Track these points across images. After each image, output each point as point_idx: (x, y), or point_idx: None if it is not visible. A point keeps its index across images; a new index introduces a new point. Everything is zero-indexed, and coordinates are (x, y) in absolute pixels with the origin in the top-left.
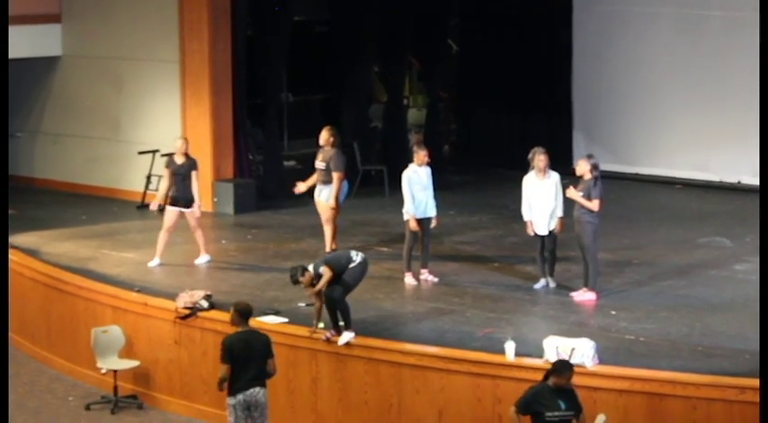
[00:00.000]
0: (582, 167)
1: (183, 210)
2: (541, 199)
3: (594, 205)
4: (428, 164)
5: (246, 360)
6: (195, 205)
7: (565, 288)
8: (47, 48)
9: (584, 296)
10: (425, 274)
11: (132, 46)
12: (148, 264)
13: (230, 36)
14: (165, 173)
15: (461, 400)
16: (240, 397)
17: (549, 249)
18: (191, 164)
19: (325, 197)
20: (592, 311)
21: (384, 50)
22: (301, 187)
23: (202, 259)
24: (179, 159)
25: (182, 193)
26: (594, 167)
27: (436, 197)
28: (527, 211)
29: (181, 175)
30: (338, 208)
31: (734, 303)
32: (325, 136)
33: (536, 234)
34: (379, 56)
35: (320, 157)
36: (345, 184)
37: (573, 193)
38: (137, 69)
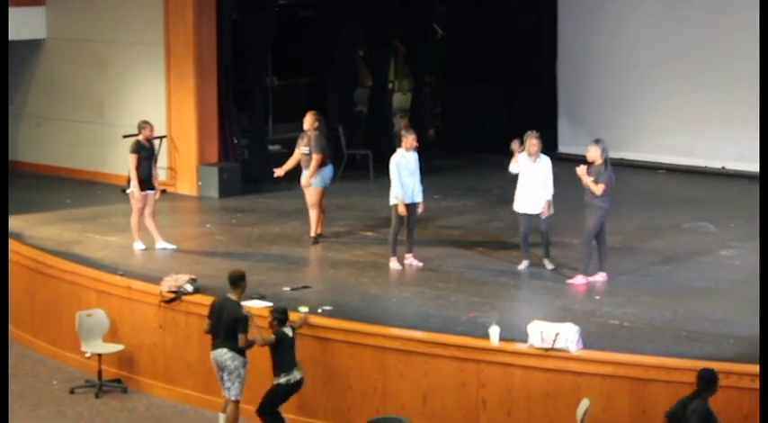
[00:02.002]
0: (592, 153)
1: (149, 192)
2: (531, 181)
3: (599, 189)
4: (416, 148)
5: (218, 323)
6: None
7: (555, 273)
8: (31, 30)
9: (574, 280)
10: (410, 259)
11: (116, 29)
12: (135, 247)
13: (215, 19)
14: (136, 158)
15: (446, 384)
16: (211, 355)
17: (541, 232)
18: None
19: (311, 182)
20: (576, 296)
21: (369, 34)
22: (279, 172)
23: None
24: (147, 143)
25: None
26: (604, 152)
27: (422, 182)
28: (514, 166)
29: (151, 159)
30: (324, 192)
31: (718, 288)
32: (309, 120)
33: (522, 214)
34: (365, 40)
35: (304, 141)
36: (330, 167)
37: (582, 170)
38: (121, 52)
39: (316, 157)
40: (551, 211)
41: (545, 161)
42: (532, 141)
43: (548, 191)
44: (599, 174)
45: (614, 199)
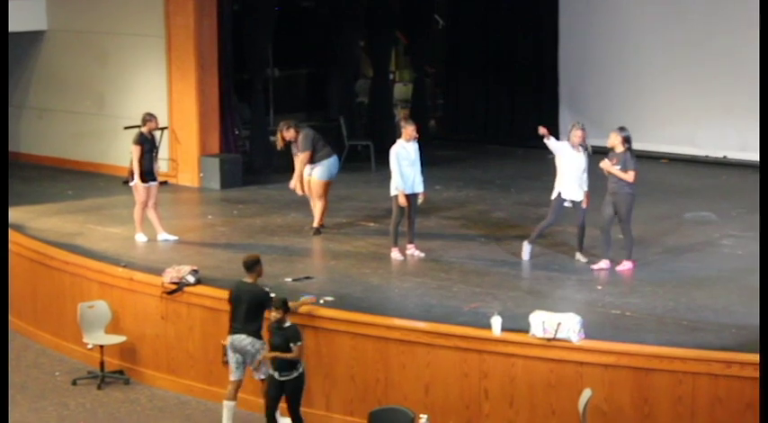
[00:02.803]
0: (613, 139)
1: (152, 183)
2: (573, 169)
3: (630, 176)
4: (416, 139)
5: (236, 307)
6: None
7: (555, 262)
8: (32, 22)
9: (622, 266)
10: (412, 250)
11: (117, 20)
12: (136, 238)
13: (216, 10)
14: (140, 150)
15: (448, 374)
16: (229, 339)
17: (578, 224)
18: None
19: (316, 174)
20: (577, 286)
21: (370, 25)
22: (299, 191)
23: (162, 236)
24: (150, 135)
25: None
26: (626, 140)
27: (423, 172)
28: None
29: (153, 151)
30: (330, 183)
31: (719, 277)
32: (283, 136)
33: (564, 201)
34: (366, 30)
35: (294, 149)
36: (335, 158)
37: (608, 164)
38: (122, 44)
39: (301, 157)
40: (589, 202)
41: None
42: (576, 132)
43: (584, 182)
44: (625, 161)
45: (593, 188)
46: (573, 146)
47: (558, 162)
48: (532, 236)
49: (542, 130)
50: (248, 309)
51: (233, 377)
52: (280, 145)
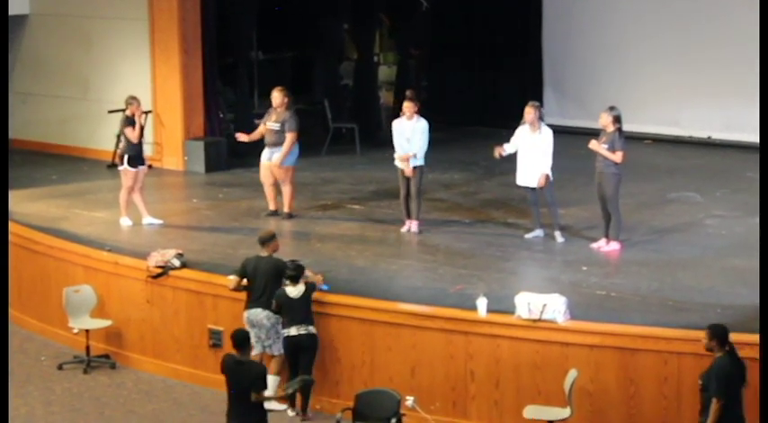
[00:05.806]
0: (604, 119)
1: (140, 167)
2: (529, 152)
3: (618, 157)
4: (408, 117)
5: (252, 280)
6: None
7: (539, 243)
8: (14, 6)
9: (609, 247)
10: (407, 225)
11: (100, 4)
12: (121, 222)
13: None
14: (133, 129)
15: (434, 356)
16: (245, 314)
17: (546, 205)
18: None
19: (286, 160)
20: (562, 267)
21: (355, 7)
22: (243, 137)
23: (147, 220)
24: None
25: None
26: (616, 119)
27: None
28: (509, 146)
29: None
30: (293, 169)
31: (704, 258)
32: (279, 97)
33: (521, 187)
34: (350, 13)
35: (273, 117)
36: (296, 145)
37: (595, 144)
38: (105, 27)
39: (291, 136)
40: (548, 183)
41: (545, 133)
42: (527, 110)
43: (544, 164)
44: (613, 141)
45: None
46: (529, 125)
47: (513, 140)
48: (534, 221)
49: (498, 153)
50: (266, 281)
51: (253, 352)
52: (276, 104)
